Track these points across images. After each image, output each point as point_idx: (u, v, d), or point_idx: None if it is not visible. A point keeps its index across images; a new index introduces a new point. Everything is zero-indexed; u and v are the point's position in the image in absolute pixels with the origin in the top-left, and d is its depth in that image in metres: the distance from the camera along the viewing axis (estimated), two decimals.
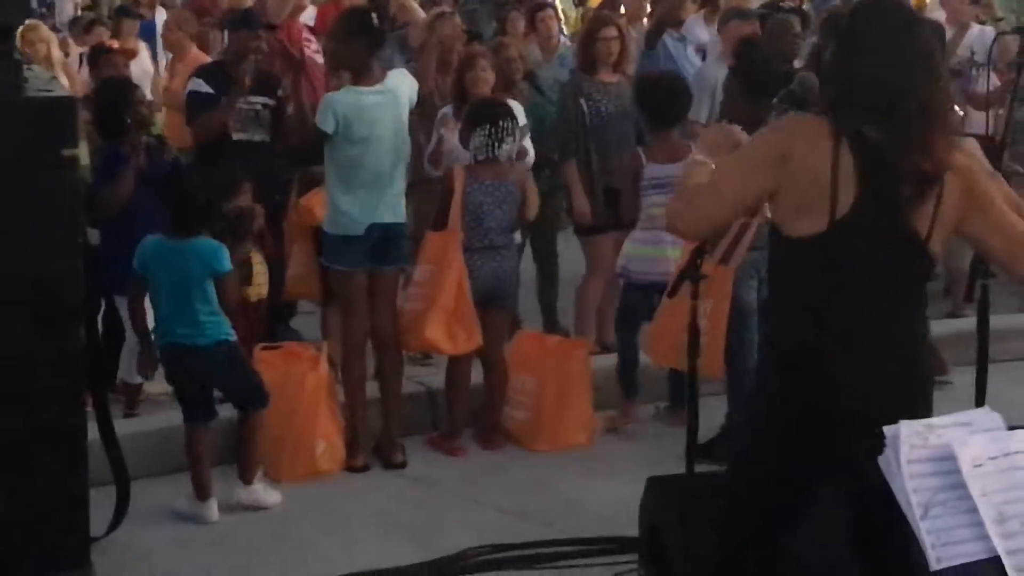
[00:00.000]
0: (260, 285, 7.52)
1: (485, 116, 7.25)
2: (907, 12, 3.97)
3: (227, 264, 6.34)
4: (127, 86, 7.64)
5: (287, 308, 8.55)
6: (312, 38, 9.22)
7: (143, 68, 11.95)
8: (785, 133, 3.90)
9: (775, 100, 7.02)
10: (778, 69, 7.35)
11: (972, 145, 4.09)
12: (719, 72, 8.09)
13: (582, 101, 8.38)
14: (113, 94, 7.52)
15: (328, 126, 6.86)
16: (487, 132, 7.17)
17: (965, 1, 11.80)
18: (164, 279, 6.29)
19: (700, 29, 11.66)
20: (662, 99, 7.47)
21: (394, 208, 7.02)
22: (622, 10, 12.07)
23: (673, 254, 7.30)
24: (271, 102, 8.09)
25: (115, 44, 10.00)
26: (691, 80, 9.25)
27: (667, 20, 9.72)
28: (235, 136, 7.99)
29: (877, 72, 3.76)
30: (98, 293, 6.02)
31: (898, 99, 3.73)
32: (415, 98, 7.24)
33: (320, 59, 8.94)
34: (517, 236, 7.58)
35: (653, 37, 9.55)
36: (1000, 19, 13.91)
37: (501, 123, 7.17)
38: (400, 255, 7.14)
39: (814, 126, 3.79)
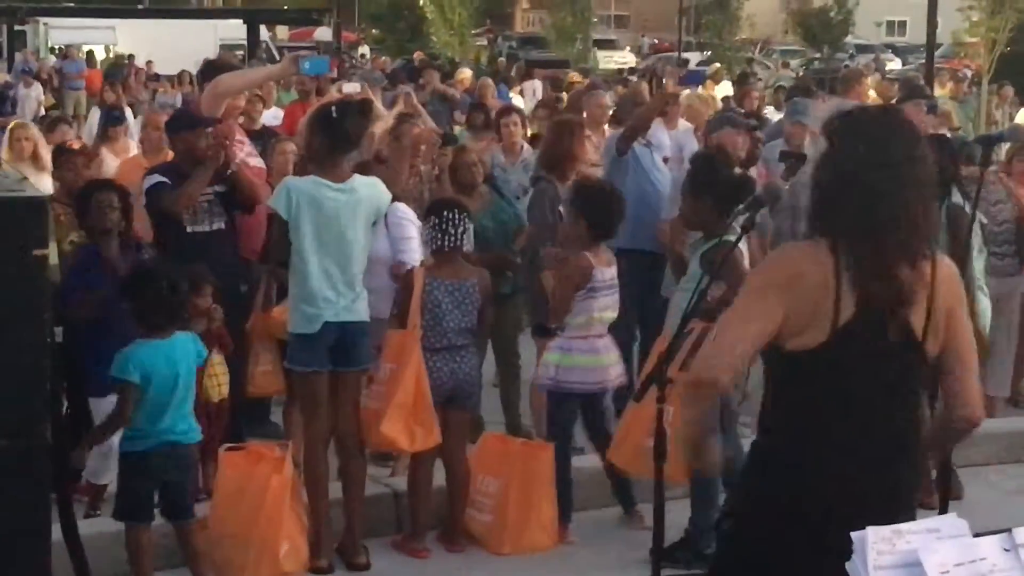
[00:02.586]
0: (221, 385, 7.53)
1: (431, 210, 7.41)
2: (889, 120, 4.07)
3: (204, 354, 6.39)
4: (104, 189, 7.65)
5: (259, 405, 8.56)
6: (245, 140, 9.25)
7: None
8: (791, 260, 4.00)
9: (740, 207, 7.11)
10: (732, 175, 7.40)
11: (951, 265, 4.13)
12: None
13: (559, 208, 8.46)
14: (89, 197, 7.54)
15: (280, 206, 6.90)
16: (431, 224, 7.29)
17: (922, 111, 11.98)
18: (161, 380, 6.30)
19: (661, 132, 11.77)
20: (605, 207, 7.52)
21: (353, 308, 7.03)
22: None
23: (609, 361, 7.41)
24: (221, 189, 8.13)
25: (75, 144, 10.05)
26: (660, 185, 9.36)
27: (639, 127, 9.81)
28: (190, 229, 8.01)
29: (860, 187, 3.88)
30: (63, 392, 6.00)
31: (882, 212, 3.85)
32: (384, 208, 7.29)
33: (253, 161, 8.97)
34: None
35: (624, 144, 9.64)
36: (957, 129, 14.16)
37: (446, 214, 7.26)
38: (363, 356, 7.15)
39: (814, 249, 3.91)
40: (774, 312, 3.88)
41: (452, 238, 7.23)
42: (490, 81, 19.37)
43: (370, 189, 7.14)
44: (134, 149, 12.09)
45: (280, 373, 7.86)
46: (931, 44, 22.83)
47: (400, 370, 7.05)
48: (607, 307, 7.46)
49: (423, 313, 7.14)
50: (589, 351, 7.42)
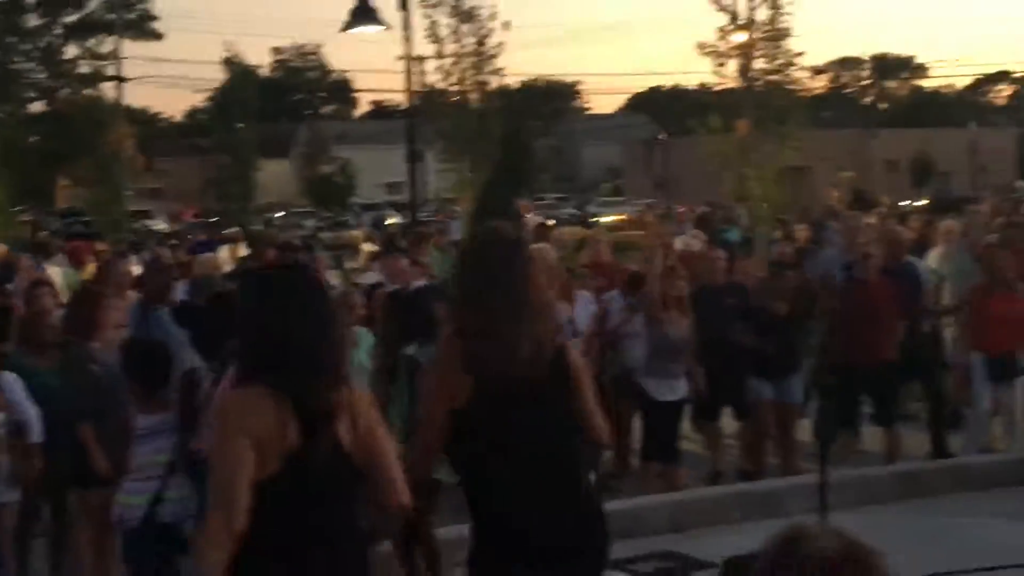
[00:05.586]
0: None
1: None
2: (292, 276, 4.46)
3: None
4: None
5: None
6: None
7: None
8: (236, 415, 4.12)
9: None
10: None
11: (365, 394, 4.50)
12: None
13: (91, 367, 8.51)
14: None
15: None
16: None
17: (400, 263, 12.40)
18: None
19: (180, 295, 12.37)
20: (150, 367, 7.73)
21: None
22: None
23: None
24: None
25: None
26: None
27: (158, 295, 10.73)
28: None
29: (272, 330, 4.21)
30: None
31: (293, 351, 4.17)
32: None
33: None
34: None
35: (145, 309, 10.34)
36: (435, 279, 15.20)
37: None
38: None
39: (255, 396, 4.10)
40: (249, 453, 4.02)
41: None
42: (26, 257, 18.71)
43: None
44: None
45: None
46: (414, 202, 26.05)
47: None
48: (148, 453, 7.45)
49: None
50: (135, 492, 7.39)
